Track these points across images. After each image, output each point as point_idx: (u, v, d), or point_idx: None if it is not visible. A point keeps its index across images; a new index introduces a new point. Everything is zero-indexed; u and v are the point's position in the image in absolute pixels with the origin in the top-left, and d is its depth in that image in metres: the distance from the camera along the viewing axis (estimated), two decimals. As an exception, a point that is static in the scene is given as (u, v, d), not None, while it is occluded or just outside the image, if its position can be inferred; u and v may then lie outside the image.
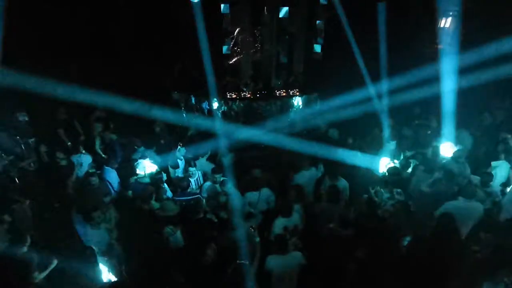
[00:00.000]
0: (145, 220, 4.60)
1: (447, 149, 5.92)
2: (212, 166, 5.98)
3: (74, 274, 3.62)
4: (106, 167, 5.56)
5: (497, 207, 4.74)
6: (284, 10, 8.46)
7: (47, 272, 3.85)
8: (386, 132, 6.85)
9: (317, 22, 9.03)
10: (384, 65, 8.38)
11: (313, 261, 3.83)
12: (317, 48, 9.13)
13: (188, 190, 5.41)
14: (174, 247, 4.18)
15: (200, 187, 5.59)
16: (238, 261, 3.53)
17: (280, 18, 8.58)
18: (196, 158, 6.10)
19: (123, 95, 6.89)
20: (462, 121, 6.79)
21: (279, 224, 4.35)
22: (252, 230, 3.90)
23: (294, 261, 3.76)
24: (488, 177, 4.97)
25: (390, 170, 5.52)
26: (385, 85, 8.04)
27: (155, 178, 5.36)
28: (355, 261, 3.69)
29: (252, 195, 5.07)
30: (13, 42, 6.86)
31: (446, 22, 9.54)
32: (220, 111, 8.73)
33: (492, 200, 4.77)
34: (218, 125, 7.95)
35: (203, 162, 6.13)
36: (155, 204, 4.82)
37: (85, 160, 5.96)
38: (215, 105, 8.66)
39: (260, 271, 3.72)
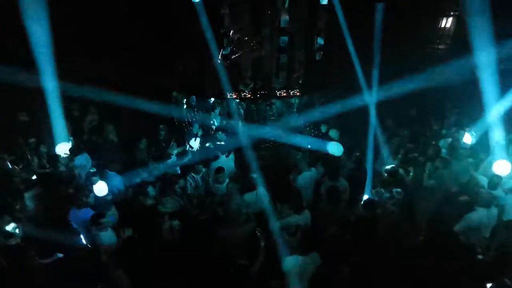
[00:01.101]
0: (145, 214, 4.66)
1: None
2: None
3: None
4: (110, 172, 5.49)
5: (501, 210, 4.71)
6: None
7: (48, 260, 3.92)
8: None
9: (317, 22, 9.04)
10: (383, 66, 8.40)
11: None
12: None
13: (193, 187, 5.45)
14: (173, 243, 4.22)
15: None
16: (240, 262, 3.53)
17: (281, 19, 8.59)
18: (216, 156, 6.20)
19: (124, 94, 6.93)
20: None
21: (293, 221, 4.32)
22: (258, 233, 3.89)
23: (313, 262, 3.68)
24: (497, 180, 4.89)
25: (389, 170, 5.53)
26: (384, 85, 8.06)
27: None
28: (352, 265, 3.68)
29: (250, 196, 5.08)
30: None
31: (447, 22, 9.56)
32: (225, 111, 8.76)
33: (496, 203, 4.72)
34: (223, 124, 8.03)
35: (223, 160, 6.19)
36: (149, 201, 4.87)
37: (88, 160, 6.00)
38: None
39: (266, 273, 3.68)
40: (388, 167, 5.70)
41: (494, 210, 4.53)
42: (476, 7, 6.69)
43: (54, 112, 6.58)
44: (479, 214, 4.42)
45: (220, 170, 5.47)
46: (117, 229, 4.30)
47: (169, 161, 6.12)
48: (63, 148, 6.00)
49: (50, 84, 6.70)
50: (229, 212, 4.49)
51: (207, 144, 6.85)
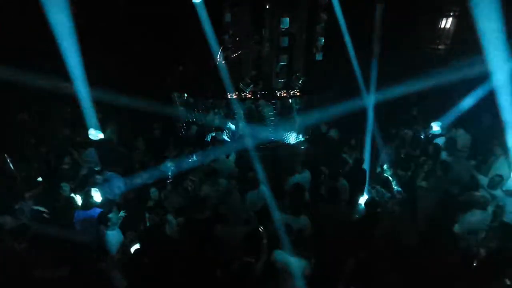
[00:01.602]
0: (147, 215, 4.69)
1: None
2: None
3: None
4: (111, 174, 5.47)
5: (501, 210, 4.72)
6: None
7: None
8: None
9: (317, 23, 9.05)
10: (383, 66, 8.40)
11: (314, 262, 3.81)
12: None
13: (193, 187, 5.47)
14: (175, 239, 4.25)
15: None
16: (244, 259, 3.53)
17: (281, 19, 8.60)
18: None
19: (124, 95, 6.94)
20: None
21: (287, 220, 4.26)
22: (261, 230, 3.89)
23: (306, 265, 3.61)
24: (498, 179, 4.90)
25: (389, 170, 5.56)
26: (383, 86, 8.06)
27: None
28: (355, 263, 3.67)
29: (252, 195, 5.08)
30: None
31: (446, 22, 9.57)
32: (225, 111, 8.77)
33: (496, 203, 4.74)
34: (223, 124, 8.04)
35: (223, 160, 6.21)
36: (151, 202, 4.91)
37: (93, 156, 6.02)
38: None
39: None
40: (388, 167, 5.72)
41: (490, 211, 4.52)
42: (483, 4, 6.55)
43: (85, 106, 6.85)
44: (477, 217, 4.43)
45: (211, 173, 5.46)
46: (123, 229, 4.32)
47: (169, 162, 6.13)
48: (94, 134, 6.34)
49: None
50: (230, 211, 4.50)
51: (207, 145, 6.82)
